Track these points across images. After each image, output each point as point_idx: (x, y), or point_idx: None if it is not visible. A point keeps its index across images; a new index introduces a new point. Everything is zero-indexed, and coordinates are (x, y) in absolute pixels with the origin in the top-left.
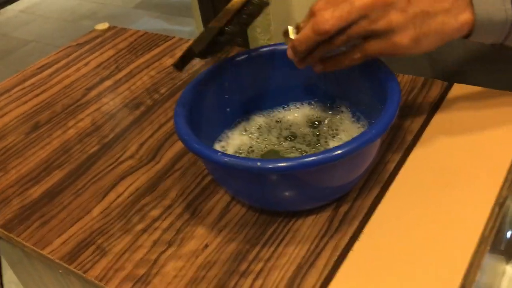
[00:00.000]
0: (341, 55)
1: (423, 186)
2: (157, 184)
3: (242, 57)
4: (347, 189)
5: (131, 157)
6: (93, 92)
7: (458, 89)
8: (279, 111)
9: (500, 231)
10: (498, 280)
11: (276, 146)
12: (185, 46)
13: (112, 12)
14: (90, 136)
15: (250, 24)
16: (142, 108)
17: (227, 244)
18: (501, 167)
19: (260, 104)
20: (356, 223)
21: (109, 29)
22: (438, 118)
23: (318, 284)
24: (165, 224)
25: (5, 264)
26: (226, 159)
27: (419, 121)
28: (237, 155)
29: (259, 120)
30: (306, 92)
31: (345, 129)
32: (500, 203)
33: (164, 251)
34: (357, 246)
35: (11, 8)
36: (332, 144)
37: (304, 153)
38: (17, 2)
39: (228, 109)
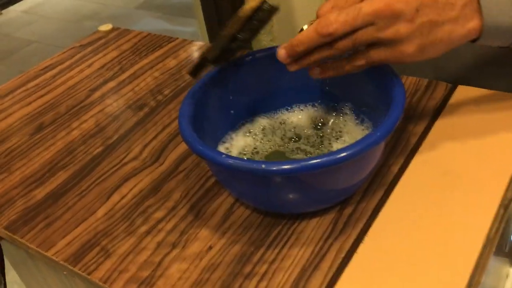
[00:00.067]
0: (342, 61)
1: (427, 189)
2: (161, 185)
3: (246, 59)
4: (352, 192)
5: (135, 158)
6: (97, 93)
7: (462, 91)
8: (282, 113)
9: (505, 234)
10: (502, 282)
11: (281, 147)
12: (188, 48)
13: (114, 12)
14: (94, 137)
15: (261, 30)
16: (146, 109)
17: (231, 246)
18: (505, 169)
19: (264, 106)
20: (360, 226)
21: (112, 30)
22: (442, 120)
23: (323, 287)
24: (169, 226)
25: (7, 264)
26: (231, 161)
27: (423, 123)
28: (242, 156)
29: (262, 121)
30: (310, 94)
31: (349, 131)
32: (505, 205)
33: (168, 253)
34: (361, 248)
35: (13, 9)
36: (336, 145)
37: (308, 155)
38: (20, 2)
39: (232, 111)
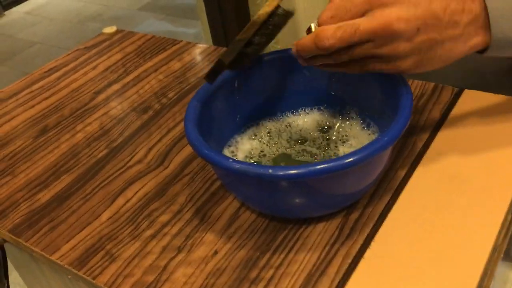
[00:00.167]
0: (342, 65)
1: (434, 193)
2: (166, 189)
3: (252, 62)
4: (358, 197)
5: (139, 161)
6: (101, 96)
7: (468, 95)
8: (288, 116)
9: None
10: (508, 286)
11: (288, 150)
12: (192, 50)
13: (117, 14)
14: (98, 140)
15: (276, 34)
16: (150, 112)
17: (237, 251)
18: None
19: (269, 109)
20: (367, 231)
21: (116, 32)
22: (449, 125)
23: None
24: (174, 229)
25: (10, 266)
26: (238, 165)
27: (429, 127)
28: (248, 159)
29: (268, 125)
30: (316, 97)
31: (355, 135)
32: None
33: (173, 258)
34: (368, 253)
35: (16, 10)
36: (342, 149)
37: (315, 157)
38: (23, 3)
39: (237, 114)
